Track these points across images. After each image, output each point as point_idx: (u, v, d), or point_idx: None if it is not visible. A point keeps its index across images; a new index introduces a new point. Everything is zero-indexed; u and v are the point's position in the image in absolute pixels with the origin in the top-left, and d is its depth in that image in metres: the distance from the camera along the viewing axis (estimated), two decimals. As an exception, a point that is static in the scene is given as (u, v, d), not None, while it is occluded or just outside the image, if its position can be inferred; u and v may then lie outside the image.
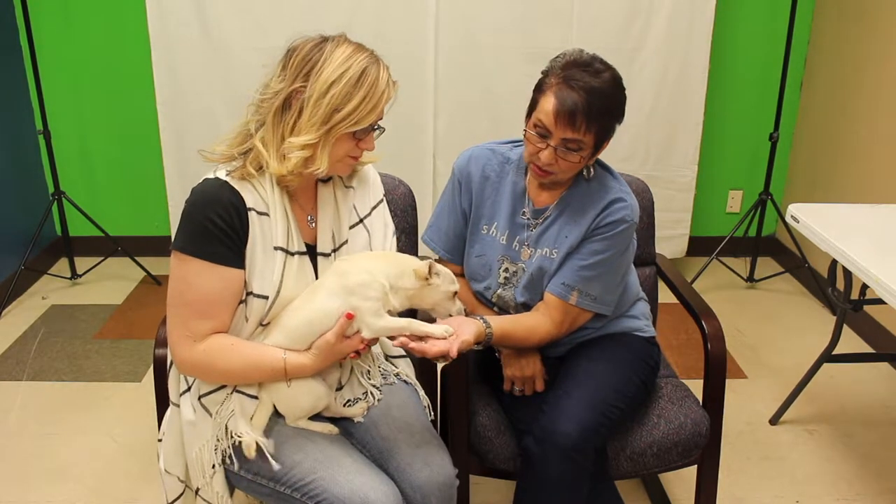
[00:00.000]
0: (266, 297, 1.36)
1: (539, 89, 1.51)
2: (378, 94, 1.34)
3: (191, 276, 1.33)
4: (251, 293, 1.36)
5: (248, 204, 1.35)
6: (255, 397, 1.40)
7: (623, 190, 1.61)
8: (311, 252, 1.42)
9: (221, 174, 1.36)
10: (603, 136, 1.51)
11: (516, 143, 1.69)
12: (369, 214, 1.55)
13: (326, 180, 1.48)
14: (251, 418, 1.40)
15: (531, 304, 1.65)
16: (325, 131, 1.33)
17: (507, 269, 1.67)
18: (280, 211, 1.38)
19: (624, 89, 1.51)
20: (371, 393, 1.51)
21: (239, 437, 1.37)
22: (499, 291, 1.68)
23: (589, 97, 1.44)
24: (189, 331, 1.34)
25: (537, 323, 1.60)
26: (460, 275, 1.77)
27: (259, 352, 1.38)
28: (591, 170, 1.60)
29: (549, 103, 1.46)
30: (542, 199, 1.64)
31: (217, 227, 1.32)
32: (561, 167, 1.52)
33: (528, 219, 1.65)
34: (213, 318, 1.35)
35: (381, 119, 1.40)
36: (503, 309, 1.70)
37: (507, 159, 1.68)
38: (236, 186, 1.34)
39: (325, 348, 1.36)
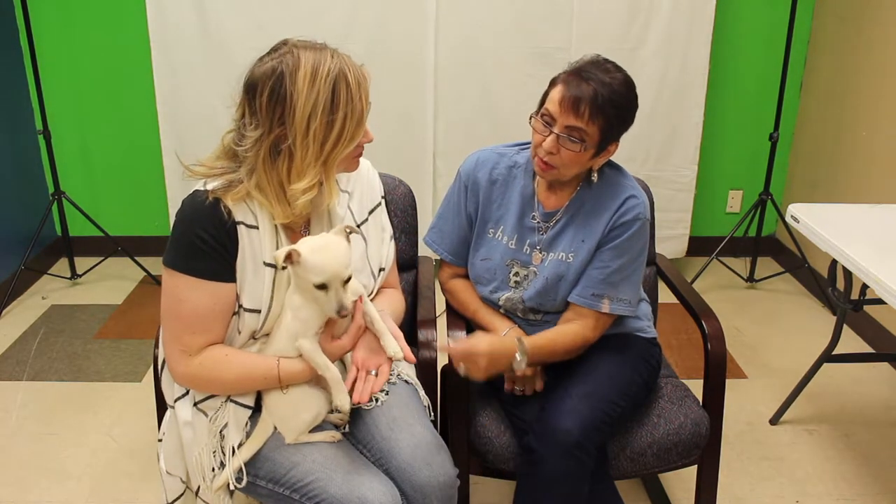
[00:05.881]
0: (258, 311, 1.36)
1: (552, 83, 1.53)
2: (356, 104, 1.29)
3: (181, 291, 1.33)
4: (242, 307, 1.36)
5: (238, 217, 1.33)
6: (250, 407, 1.40)
7: (633, 186, 1.61)
8: None
9: (210, 186, 1.33)
10: (608, 133, 1.50)
11: (523, 146, 1.68)
12: (366, 220, 1.54)
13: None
14: (247, 438, 1.39)
15: (539, 310, 1.66)
16: (321, 165, 1.30)
17: (517, 273, 1.66)
18: (268, 225, 1.36)
19: (636, 95, 1.52)
20: (373, 395, 1.50)
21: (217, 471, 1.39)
22: (507, 294, 1.68)
23: (597, 88, 1.45)
24: (183, 345, 1.34)
25: (575, 334, 1.60)
26: (464, 276, 1.77)
27: (252, 361, 1.38)
28: (596, 175, 1.60)
29: (557, 92, 1.49)
30: (552, 203, 1.64)
31: (205, 243, 1.31)
32: (563, 159, 1.51)
33: (537, 222, 1.64)
34: (205, 333, 1.35)
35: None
36: (510, 312, 1.70)
37: (514, 163, 1.67)
38: (225, 199, 1.32)
39: None
